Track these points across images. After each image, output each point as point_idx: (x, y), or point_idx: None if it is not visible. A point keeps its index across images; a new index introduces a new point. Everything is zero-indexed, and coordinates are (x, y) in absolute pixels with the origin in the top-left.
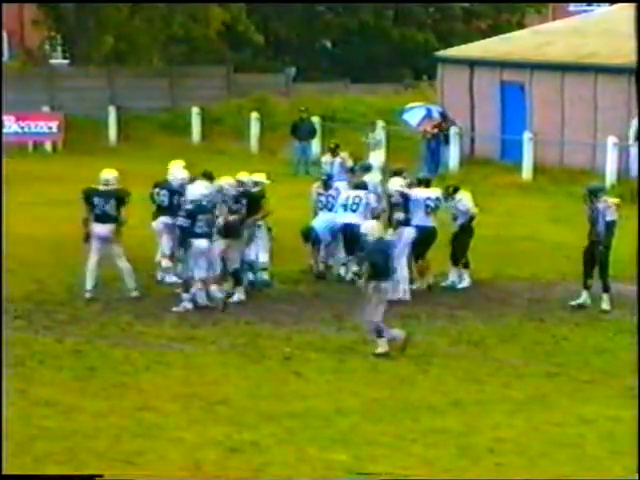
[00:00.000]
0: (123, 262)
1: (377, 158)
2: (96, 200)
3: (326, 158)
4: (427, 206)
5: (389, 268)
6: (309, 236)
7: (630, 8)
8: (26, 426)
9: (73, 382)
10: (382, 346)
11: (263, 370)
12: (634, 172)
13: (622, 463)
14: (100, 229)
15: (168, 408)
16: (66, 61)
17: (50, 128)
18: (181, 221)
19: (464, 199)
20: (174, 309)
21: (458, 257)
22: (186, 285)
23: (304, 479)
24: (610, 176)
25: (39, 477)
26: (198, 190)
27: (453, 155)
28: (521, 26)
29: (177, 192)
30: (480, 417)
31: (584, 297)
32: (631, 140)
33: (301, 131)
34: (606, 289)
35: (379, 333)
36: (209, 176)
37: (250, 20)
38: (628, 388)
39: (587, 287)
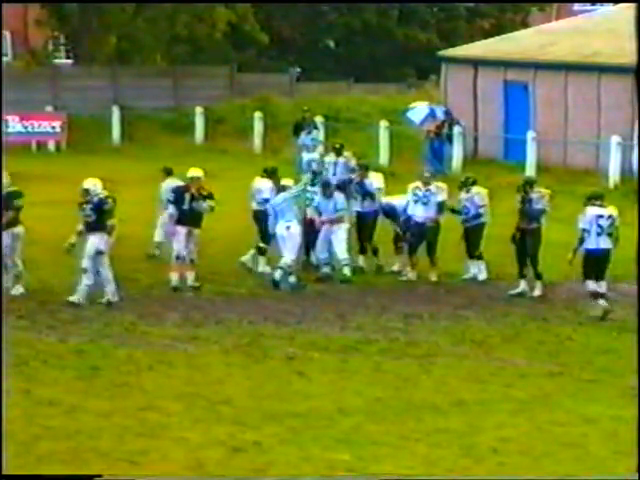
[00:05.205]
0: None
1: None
2: None
3: (329, 158)
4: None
5: None
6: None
7: (633, 8)
8: (29, 426)
9: (76, 382)
10: None
11: (266, 370)
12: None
13: (625, 463)
14: None
15: (171, 408)
16: (70, 61)
17: (54, 128)
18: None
19: (482, 193)
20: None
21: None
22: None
23: (307, 478)
24: (614, 176)
25: (41, 477)
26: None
27: (456, 155)
28: (525, 26)
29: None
30: (483, 417)
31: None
32: (635, 139)
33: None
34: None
35: None
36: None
37: (254, 20)
38: (632, 388)
39: (523, 276)
